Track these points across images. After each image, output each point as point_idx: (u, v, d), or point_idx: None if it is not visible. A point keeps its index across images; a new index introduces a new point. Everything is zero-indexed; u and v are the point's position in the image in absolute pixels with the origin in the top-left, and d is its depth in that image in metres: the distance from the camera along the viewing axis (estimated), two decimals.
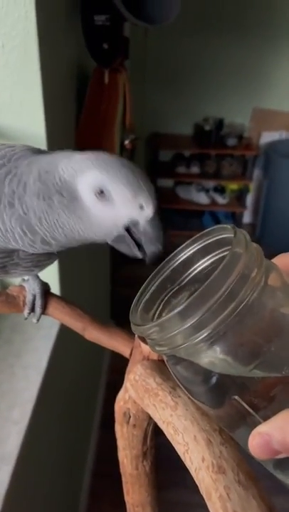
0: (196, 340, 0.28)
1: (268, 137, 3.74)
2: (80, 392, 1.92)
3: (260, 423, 0.28)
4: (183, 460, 0.34)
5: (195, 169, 3.68)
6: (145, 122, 3.32)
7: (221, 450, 0.31)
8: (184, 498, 1.74)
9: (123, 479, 0.55)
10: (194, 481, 0.32)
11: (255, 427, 0.28)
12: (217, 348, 0.29)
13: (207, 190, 3.80)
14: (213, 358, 0.29)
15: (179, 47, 3.39)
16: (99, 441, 2.18)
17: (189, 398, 0.35)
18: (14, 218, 0.48)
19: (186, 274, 0.36)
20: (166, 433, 0.36)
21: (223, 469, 0.30)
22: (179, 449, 0.34)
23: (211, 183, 3.84)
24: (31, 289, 0.61)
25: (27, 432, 1.00)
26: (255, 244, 0.31)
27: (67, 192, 0.46)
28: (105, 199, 0.45)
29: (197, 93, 3.58)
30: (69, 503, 1.78)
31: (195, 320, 0.28)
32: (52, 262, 0.60)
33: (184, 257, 0.36)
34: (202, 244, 0.35)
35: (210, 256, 0.35)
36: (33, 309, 0.61)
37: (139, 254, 0.48)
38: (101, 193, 0.45)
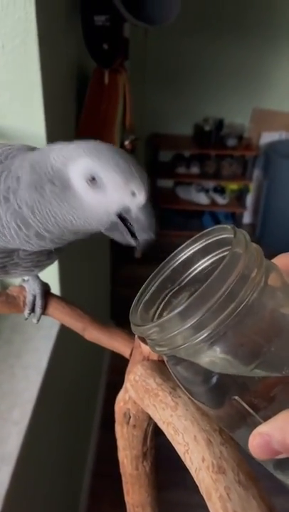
0: (197, 341, 0.28)
1: (267, 137, 3.74)
2: (80, 392, 1.92)
3: (260, 423, 0.28)
4: (183, 460, 0.34)
5: (195, 169, 3.69)
6: (145, 123, 3.33)
7: (221, 450, 0.31)
8: (184, 498, 1.74)
9: (123, 479, 0.55)
10: (194, 482, 0.32)
11: (255, 427, 0.28)
12: (217, 348, 0.29)
13: (207, 191, 3.81)
14: (214, 358, 0.29)
15: (179, 47, 3.39)
16: (99, 441, 2.18)
17: (189, 398, 0.35)
18: (9, 213, 0.48)
19: (186, 274, 0.36)
20: (166, 433, 0.36)
21: (224, 469, 0.30)
22: (179, 450, 0.34)
23: (211, 184, 3.84)
24: (31, 289, 0.61)
25: (27, 432, 1.00)
26: (255, 245, 0.31)
27: (58, 180, 0.46)
28: (97, 186, 0.45)
29: (197, 93, 3.58)
30: (69, 504, 1.78)
31: (195, 320, 0.28)
32: (52, 262, 0.60)
33: (184, 257, 0.36)
34: (202, 245, 0.35)
35: (210, 256, 0.35)
36: (33, 309, 0.61)
37: (132, 242, 0.48)
38: (93, 180, 0.45)
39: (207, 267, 0.35)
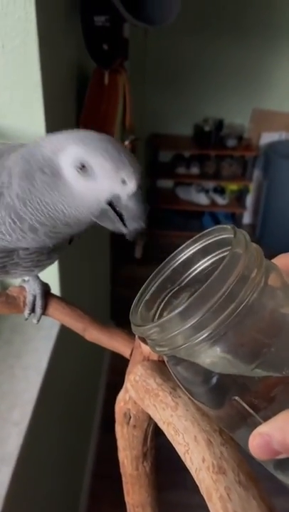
0: (197, 341, 0.28)
1: (267, 138, 3.75)
2: (80, 392, 1.92)
3: (260, 423, 0.28)
4: (183, 461, 0.34)
5: (195, 170, 3.69)
6: (145, 123, 3.33)
7: (222, 451, 0.31)
8: (184, 499, 1.74)
9: (123, 480, 0.55)
10: (194, 482, 0.32)
11: (255, 427, 0.28)
12: (217, 349, 0.29)
13: (207, 191, 3.81)
14: (214, 358, 0.29)
15: (179, 47, 3.39)
16: (99, 441, 2.18)
17: (190, 399, 0.35)
18: (3, 207, 0.48)
19: (187, 274, 0.36)
20: (166, 433, 0.36)
21: (224, 470, 0.30)
22: (180, 450, 0.34)
23: (210, 184, 3.84)
24: (31, 289, 0.61)
25: (27, 433, 1.00)
26: (255, 245, 0.31)
27: (48, 169, 0.45)
28: (87, 174, 0.45)
29: (197, 94, 3.58)
30: (69, 504, 1.78)
31: (195, 320, 0.28)
32: (52, 262, 0.60)
33: (184, 257, 0.36)
34: (202, 245, 0.35)
35: (210, 256, 0.35)
36: (33, 310, 0.61)
37: (123, 229, 0.47)
38: (83, 168, 0.44)
39: (207, 267, 0.35)
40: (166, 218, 3.86)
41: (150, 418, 0.46)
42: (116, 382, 0.53)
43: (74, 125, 1.47)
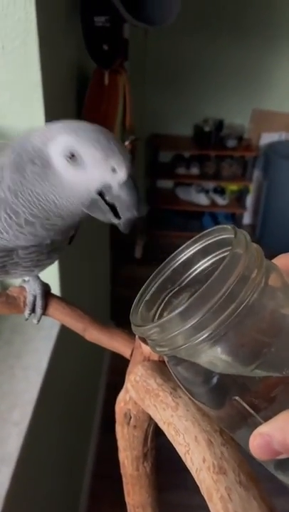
0: (197, 341, 0.28)
1: (267, 138, 3.75)
2: (80, 393, 1.92)
3: (260, 424, 0.28)
4: (184, 461, 0.34)
5: (195, 170, 3.69)
6: (145, 123, 3.33)
7: (222, 451, 0.31)
8: (184, 499, 1.74)
9: (124, 480, 0.55)
10: (195, 483, 0.32)
11: (255, 427, 0.28)
12: (218, 349, 0.29)
13: (207, 191, 3.81)
14: (214, 358, 0.29)
15: (179, 48, 3.39)
16: (99, 442, 2.18)
17: (190, 399, 0.35)
18: None
19: (187, 274, 0.36)
20: (167, 434, 0.36)
21: (224, 470, 0.30)
22: (180, 450, 0.34)
23: (210, 184, 3.84)
24: (32, 289, 0.61)
25: (27, 433, 1.00)
26: (255, 245, 0.31)
27: (39, 159, 0.45)
28: (76, 163, 0.44)
29: (197, 94, 3.58)
30: (69, 504, 1.78)
31: (196, 321, 0.28)
32: (52, 262, 0.60)
33: (185, 257, 0.36)
34: (202, 245, 0.35)
35: (210, 256, 0.35)
36: (33, 310, 0.61)
37: (114, 220, 0.47)
38: (72, 157, 0.44)
39: (207, 267, 0.35)
40: (166, 218, 3.87)
41: (150, 418, 0.46)
42: (116, 383, 0.53)
43: None
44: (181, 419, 0.35)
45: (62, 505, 1.65)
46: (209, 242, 0.34)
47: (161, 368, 0.42)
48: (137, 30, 2.16)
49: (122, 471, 0.54)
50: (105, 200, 0.46)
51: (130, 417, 0.47)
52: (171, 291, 0.36)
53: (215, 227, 0.34)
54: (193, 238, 0.35)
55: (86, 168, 0.44)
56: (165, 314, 0.35)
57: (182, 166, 3.71)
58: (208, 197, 3.78)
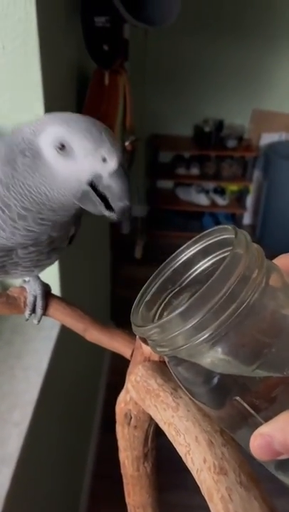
0: (198, 341, 0.28)
1: (267, 138, 3.75)
2: (80, 393, 1.92)
3: (261, 424, 0.28)
4: (184, 461, 0.34)
5: (195, 170, 3.69)
6: (145, 123, 3.32)
7: (223, 451, 0.31)
8: (184, 500, 1.74)
9: (124, 481, 0.55)
10: (195, 483, 0.32)
11: (256, 428, 0.28)
12: (218, 349, 0.29)
13: (207, 192, 3.81)
14: (215, 358, 0.29)
15: (179, 48, 3.40)
16: (99, 442, 2.18)
17: (191, 399, 0.35)
18: None
19: (187, 275, 0.36)
20: (167, 434, 0.36)
21: (225, 470, 0.30)
22: (181, 450, 0.34)
23: (211, 185, 3.84)
24: (32, 290, 0.61)
25: (27, 433, 1.00)
26: (256, 245, 0.31)
27: (29, 151, 0.45)
28: (67, 154, 0.44)
29: (197, 94, 3.58)
30: (69, 505, 1.77)
31: (196, 321, 0.28)
32: (52, 263, 0.60)
33: (185, 257, 0.36)
34: (203, 245, 0.35)
35: (211, 257, 0.35)
36: (33, 310, 0.61)
37: (105, 212, 0.46)
38: (62, 148, 0.44)
39: (208, 267, 0.35)
40: (166, 219, 3.87)
41: (151, 419, 0.46)
42: (116, 383, 0.53)
43: None
44: (182, 419, 0.35)
45: (63, 506, 1.65)
46: (210, 242, 0.34)
47: (161, 368, 0.42)
48: (137, 31, 2.16)
49: (123, 472, 0.54)
50: (97, 192, 0.46)
51: (131, 418, 0.47)
52: (172, 291, 0.36)
53: (215, 228, 0.34)
54: (194, 238, 0.35)
55: (76, 158, 0.44)
56: (165, 314, 0.34)
57: (182, 167, 3.71)
58: (209, 197, 3.78)
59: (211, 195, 3.81)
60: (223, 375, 0.30)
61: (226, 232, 0.33)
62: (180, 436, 0.34)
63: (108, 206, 0.46)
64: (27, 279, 0.62)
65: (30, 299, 0.61)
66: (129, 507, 0.56)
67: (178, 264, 0.36)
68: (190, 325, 0.28)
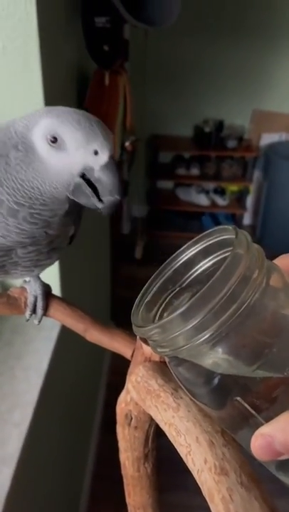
0: (198, 342, 0.28)
1: (268, 139, 3.75)
2: (80, 393, 1.92)
3: (262, 424, 0.28)
4: (185, 462, 0.34)
5: (195, 171, 3.69)
6: (145, 124, 3.33)
7: (224, 452, 0.31)
8: (185, 500, 1.74)
9: (124, 481, 0.54)
10: (196, 484, 0.32)
11: (257, 428, 0.28)
12: (219, 349, 0.29)
13: (207, 192, 3.81)
14: (216, 359, 0.29)
15: (179, 48, 3.40)
16: (99, 442, 2.18)
17: (191, 400, 0.35)
18: None
19: (188, 275, 0.36)
20: (168, 435, 0.36)
21: (226, 471, 0.30)
22: (181, 451, 0.34)
23: (211, 185, 3.84)
24: (32, 290, 0.61)
25: (28, 434, 1.00)
26: (256, 245, 0.31)
27: (22, 145, 0.45)
28: (59, 146, 0.44)
29: (197, 95, 3.59)
30: (69, 505, 1.77)
31: (197, 321, 0.28)
32: (52, 263, 0.60)
33: (186, 258, 0.36)
34: (203, 246, 0.35)
35: (211, 257, 0.35)
36: (34, 311, 0.61)
37: (99, 205, 0.46)
38: (55, 141, 0.44)
39: (208, 268, 0.35)
40: (166, 219, 3.87)
41: (151, 419, 0.46)
42: (116, 383, 0.53)
43: None
44: (183, 420, 0.34)
45: (63, 506, 1.65)
46: (210, 242, 0.34)
47: (162, 368, 0.42)
48: (138, 31, 2.16)
49: (123, 472, 0.54)
50: (89, 185, 0.45)
51: (131, 418, 0.47)
52: (172, 291, 0.36)
53: (216, 228, 0.34)
54: (194, 239, 0.35)
55: (68, 151, 0.44)
56: (166, 315, 0.35)
57: (182, 167, 3.71)
58: (209, 197, 3.79)
59: (211, 196, 3.81)
60: (224, 376, 0.30)
61: (227, 233, 0.33)
62: (181, 437, 0.34)
63: (99, 199, 0.46)
64: (27, 279, 0.62)
65: (30, 300, 0.61)
66: (129, 507, 0.56)
67: (178, 264, 0.36)
68: (191, 325, 0.28)
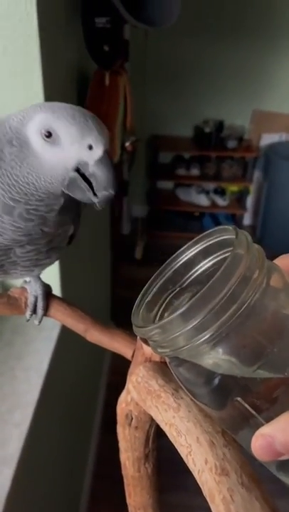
0: (199, 342, 0.28)
1: (268, 139, 3.75)
2: (80, 393, 1.92)
3: (262, 425, 0.28)
4: (186, 462, 0.34)
5: (195, 171, 3.69)
6: (145, 124, 3.33)
7: (224, 452, 0.31)
8: (185, 500, 1.74)
9: (125, 481, 0.54)
10: (196, 484, 0.32)
11: (257, 428, 0.28)
12: (219, 350, 0.29)
13: (207, 192, 3.81)
14: (216, 359, 0.29)
15: (179, 49, 3.40)
16: (99, 442, 2.18)
17: (192, 400, 0.35)
18: None
19: (188, 275, 0.36)
20: (168, 435, 0.36)
21: (227, 471, 0.30)
22: (182, 451, 0.34)
23: (211, 185, 3.84)
24: (33, 290, 0.61)
25: (28, 434, 1.00)
26: (256, 246, 0.31)
27: (16, 140, 0.45)
28: (53, 141, 0.44)
29: (197, 95, 3.59)
30: (69, 505, 1.77)
31: (197, 322, 0.28)
32: (52, 262, 0.60)
33: (186, 258, 0.36)
34: (204, 246, 0.35)
35: (211, 257, 0.35)
36: (34, 311, 0.61)
37: (94, 199, 0.46)
38: (49, 135, 0.44)
39: (209, 268, 0.35)
40: (166, 219, 3.87)
41: (152, 419, 0.46)
42: (117, 383, 0.53)
43: None
44: (183, 420, 0.34)
45: (63, 506, 1.65)
46: (210, 242, 0.34)
47: (162, 369, 0.42)
48: (138, 32, 2.16)
49: (124, 473, 0.54)
50: (84, 179, 0.45)
51: (132, 418, 0.47)
52: (172, 292, 0.36)
53: (216, 228, 0.34)
54: (195, 239, 0.35)
55: (63, 145, 0.44)
56: (166, 315, 0.35)
57: (182, 167, 3.71)
58: (209, 198, 3.78)
59: (211, 196, 3.81)
60: (224, 376, 0.30)
61: (227, 233, 0.33)
62: (181, 437, 0.34)
63: (94, 194, 0.46)
64: (28, 279, 0.62)
65: (31, 300, 0.61)
66: (130, 508, 0.56)
67: (179, 264, 0.36)
68: (191, 326, 0.28)
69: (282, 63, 3.46)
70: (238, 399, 0.29)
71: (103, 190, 0.45)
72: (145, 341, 0.33)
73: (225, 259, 0.29)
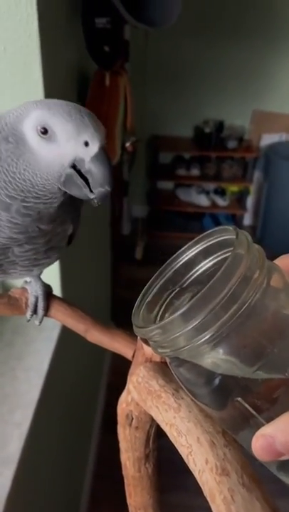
0: (199, 342, 0.28)
1: (268, 139, 3.75)
2: (81, 394, 1.92)
3: (263, 425, 0.28)
4: (186, 462, 0.34)
5: (195, 171, 3.69)
6: (145, 124, 3.33)
7: (225, 452, 0.31)
8: (185, 501, 1.74)
9: (125, 482, 0.54)
10: (196, 484, 0.32)
11: (258, 429, 0.28)
12: (220, 350, 0.29)
13: (207, 193, 3.81)
14: (216, 359, 0.29)
15: (179, 49, 3.40)
16: (100, 443, 2.18)
17: (192, 400, 0.35)
18: None
19: (188, 275, 0.36)
20: (169, 435, 0.36)
21: (227, 471, 0.30)
22: (182, 451, 0.34)
23: (211, 185, 3.84)
24: (33, 290, 0.61)
25: (28, 434, 1.00)
26: (257, 246, 0.31)
27: (12, 136, 0.45)
28: (49, 138, 0.44)
29: (197, 95, 3.59)
30: (70, 505, 1.77)
31: (197, 322, 0.28)
32: (51, 262, 0.60)
33: (186, 258, 0.36)
34: (204, 246, 0.35)
35: (212, 257, 0.35)
36: (35, 311, 0.61)
37: (90, 196, 0.46)
38: (45, 132, 0.44)
39: (209, 268, 0.35)
40: (166, 220, 3.87)
41: (152, 420, 0.46)
42: (117, 383, 0.53)
43: None
44: (184, 420, 0.35)
45: (63, 506, 1.65)
46: (211, 243, 0.34)
47: (163, 369, 0.42)
48: (138, 32, 2.17)
49: (124, 473, 0.54)
50: (81, 176, 0.45)
51: (132, 419, 0.47)
52: (173, 292, 0.36)
53: (216, 228, 0.34)
54: (195, 239, 0.35)
55: (59, 142, 0.44)
56: (167, 316, 0.35)
57: (182, 167, 3.71)
58: (209, 198, 3.78)
59: (211, 196, 3.81)
60: (225, 376, 0.30)
61: (227, 233, 0.33)
62: (182, 438, 0.34)
63: (91, 190, 0.46)
64: (28, 279, 0.62)
65: (31, 300, 0.61)
66: (130, 508, 0.56)
67: (179, 264, 0.36)
68: (191, 326, 0.28)
69: (283, 64, 3.46)
70: (239, 399, 0.29)
71: (99, 186, 0.45)
72: (146, 341, 0.33)
73: (225, 259, 0.29)
